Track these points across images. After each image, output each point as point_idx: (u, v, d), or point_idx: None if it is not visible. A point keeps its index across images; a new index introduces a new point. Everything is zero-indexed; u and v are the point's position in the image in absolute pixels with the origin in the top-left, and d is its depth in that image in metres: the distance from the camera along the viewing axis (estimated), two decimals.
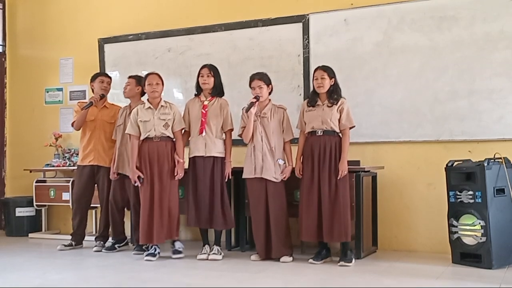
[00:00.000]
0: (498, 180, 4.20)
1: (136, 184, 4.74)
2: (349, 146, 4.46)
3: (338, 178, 4.36)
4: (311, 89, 5.37)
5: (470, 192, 4.24)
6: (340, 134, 4.49)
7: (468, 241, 4.25)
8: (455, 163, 4.47)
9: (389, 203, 5.08)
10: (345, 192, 4.40)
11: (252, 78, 4.68)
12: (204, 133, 4.68)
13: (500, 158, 4.27)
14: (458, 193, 4.33)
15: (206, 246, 4.75)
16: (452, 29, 4.94)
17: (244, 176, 4.69)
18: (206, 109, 4.72)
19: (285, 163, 4.65)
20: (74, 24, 6.57)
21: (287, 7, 5.50)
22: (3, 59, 6.90)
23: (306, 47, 5.42)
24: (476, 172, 4.21)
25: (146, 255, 4.68)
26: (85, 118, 5.23)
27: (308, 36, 5.42)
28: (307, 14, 5.42)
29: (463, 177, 4.34)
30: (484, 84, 4.82)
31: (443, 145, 4.95)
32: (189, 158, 4.76)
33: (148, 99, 4.83)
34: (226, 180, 4.74)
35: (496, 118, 4.79)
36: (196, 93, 4.87)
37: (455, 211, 4.34)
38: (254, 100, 4.58)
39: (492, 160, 4.24)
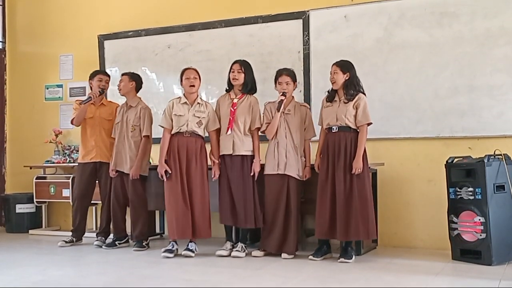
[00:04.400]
0: (498, 176, 4.20)
1: (162, 179, 4.66)
2: (365, 143, 4.39)
3: (352, 173, 4.29)
4: (312, 85, 5.39)
5: (470, 189, 4.24)
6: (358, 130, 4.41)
7: (468, 237, 4.25)
8: (455, 159, 4.47)
9: (389, 199, 5.08)
10: (364, 189, 4.30)
11: (280, 73, 4.61)
12: (230, 131, 4.61)
13: (500, 154, 4.27)
14: (458, 190, 4.33)
15: (228, 242, 4.71)
16: (452, 25, 4.93)
17: (266, 172, 4.62)
18: (235, 107, 4.64)
19: (305, 161, 4.64)
20: (74, 20, 6.56)
21: (287, 4, 5.49)
22: (3, 56, 6.89)
23: (306, 43, 5.42)
24: (476, 168, 4.21)
25: (164, 251, 4.60)
26: (84, 113, 5.23)
27: (308, 33, 5.41)
28: (307, 11, 5.41)
29: (463, 173, 4.33)
30: (484, 80, 4.82)
31: (443, 141, 4.95)
32: (220, 156, 4.70)
33: (184, 94, 4.76)
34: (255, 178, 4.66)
35: (497, 114, 4.78)
36: (227, 89, 4.79)
37: (455, 207, 4.35)
38: (283, 97, 4.53)
39: (492, 157, 4.24)
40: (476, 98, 4.84)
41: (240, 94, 4.69)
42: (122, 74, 5.27)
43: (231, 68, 4.70)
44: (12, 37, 6.92)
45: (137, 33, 6.17)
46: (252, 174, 4.61)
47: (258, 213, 4.61)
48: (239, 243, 4.68)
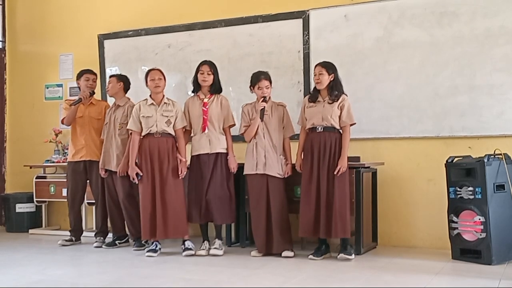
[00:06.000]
0: (498, 176, 4.20)
1: (134, 181, 4.74)
2: (349, 143, 4.46)
3: (337, 174, 4.35)
4: (312, 85, 5.38)
5: (470, 188, 4.24)
6: (341, 131, 4.47)
7: (468, 237, 4.25)
8: (455, 159, 4.47)
9: (389, 199, 5.08)
10: (344, 189, 4.39)
11: (259, 78, 4.62)
12: (207, 130, 4.67)
13: (500, 154, 4.27)
14: (458, 189, 4.33)
15: (206, 242, 4.74)
16: (452, 24, 4.93)
17: (245, 172, 4.68)
18: (207, 107, 4.71)
19: (286, 159, 4.65)
20: (74, 20, 6.56)
21: (287, 3, 5.48)
22: (3, 55, 6.89)
23: (306, 43, 5.41)
24: (476, 168, 4.21)
25: (147, 251, 4.68)
26: (75, 114, 5.27)
27: (308, 32, 5.40)
28: (307, 10, 5.41)
29: (463, 173, 4.34)
30: (484, 79, 4.82)
31: (443, 141, 4.95)
32: (192, 156, 4.75)
33: (150, 95, 4.81)
34: (233, 173, 4.75)
35: (497, 113, 4.78)
36: (194, 90, 4.84)
37: (455, 207, 4.35)
38: (265, 104, 4.57)
39: (492, 156, 4.24)
40: (476, 98, 4.84)
41: (209, 94, 4.76)
42: (110, 76, 5.35)
43: (199, 69, 4.76)
44: (12, 36, 6.92)
45: (137, 33, 6.17)
46: (231, 170, 4.69)
47: (232, 209, 4.70)
48: (216, 240, 4.71)
